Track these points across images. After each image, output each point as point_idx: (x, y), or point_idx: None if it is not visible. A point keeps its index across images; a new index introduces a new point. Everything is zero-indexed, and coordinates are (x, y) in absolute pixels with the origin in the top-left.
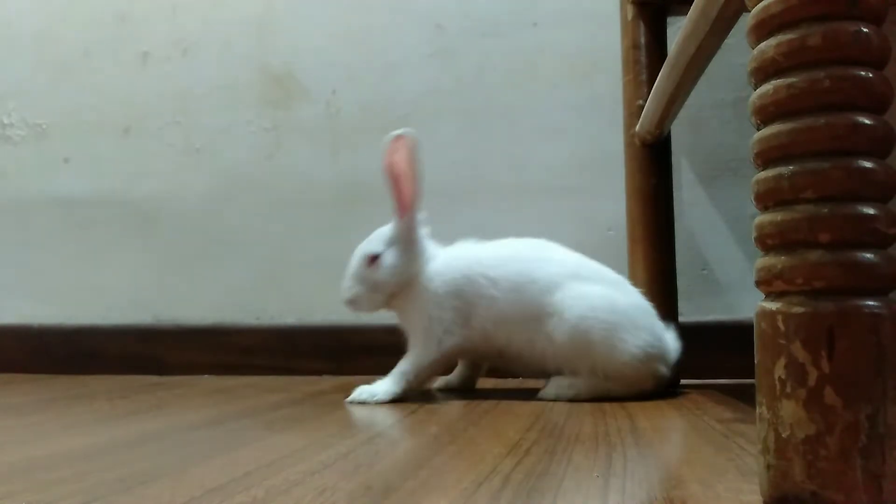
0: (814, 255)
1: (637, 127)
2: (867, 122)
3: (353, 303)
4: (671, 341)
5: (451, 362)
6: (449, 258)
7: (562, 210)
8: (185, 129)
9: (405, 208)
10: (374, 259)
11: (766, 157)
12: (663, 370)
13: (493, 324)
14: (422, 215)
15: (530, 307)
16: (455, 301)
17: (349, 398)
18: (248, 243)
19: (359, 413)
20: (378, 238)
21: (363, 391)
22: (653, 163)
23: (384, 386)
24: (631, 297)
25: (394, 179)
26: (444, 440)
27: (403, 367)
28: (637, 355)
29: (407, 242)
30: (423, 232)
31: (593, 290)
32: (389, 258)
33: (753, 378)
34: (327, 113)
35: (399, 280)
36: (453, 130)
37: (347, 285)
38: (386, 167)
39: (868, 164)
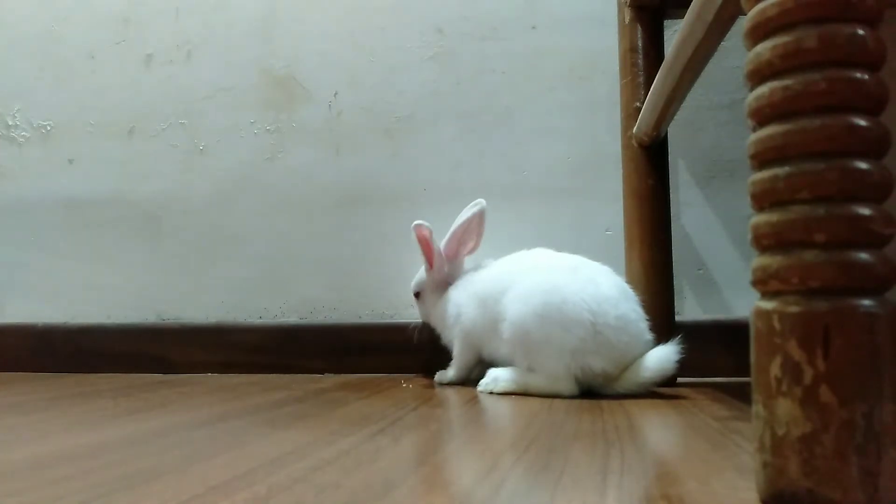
0: (809, 255)
1: (634, 129)
2: (862, 123)
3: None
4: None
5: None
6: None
7: (560, 211)
8: (188, 130)
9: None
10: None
11: (762, 159)
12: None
13: None
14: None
15: None
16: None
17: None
18: (251, 243)
19: (360, 410)
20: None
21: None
22: (650, 164)
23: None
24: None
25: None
26: (444, 437)
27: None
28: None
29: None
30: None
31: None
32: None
33: (749, 376)
34: (329, 115)
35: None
36: (453, 132)
37: None
38: (420, 238)
39: (863, 166)
